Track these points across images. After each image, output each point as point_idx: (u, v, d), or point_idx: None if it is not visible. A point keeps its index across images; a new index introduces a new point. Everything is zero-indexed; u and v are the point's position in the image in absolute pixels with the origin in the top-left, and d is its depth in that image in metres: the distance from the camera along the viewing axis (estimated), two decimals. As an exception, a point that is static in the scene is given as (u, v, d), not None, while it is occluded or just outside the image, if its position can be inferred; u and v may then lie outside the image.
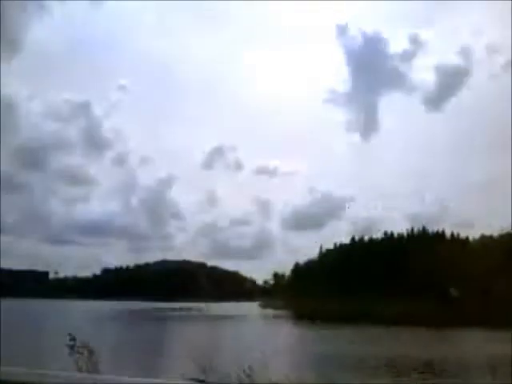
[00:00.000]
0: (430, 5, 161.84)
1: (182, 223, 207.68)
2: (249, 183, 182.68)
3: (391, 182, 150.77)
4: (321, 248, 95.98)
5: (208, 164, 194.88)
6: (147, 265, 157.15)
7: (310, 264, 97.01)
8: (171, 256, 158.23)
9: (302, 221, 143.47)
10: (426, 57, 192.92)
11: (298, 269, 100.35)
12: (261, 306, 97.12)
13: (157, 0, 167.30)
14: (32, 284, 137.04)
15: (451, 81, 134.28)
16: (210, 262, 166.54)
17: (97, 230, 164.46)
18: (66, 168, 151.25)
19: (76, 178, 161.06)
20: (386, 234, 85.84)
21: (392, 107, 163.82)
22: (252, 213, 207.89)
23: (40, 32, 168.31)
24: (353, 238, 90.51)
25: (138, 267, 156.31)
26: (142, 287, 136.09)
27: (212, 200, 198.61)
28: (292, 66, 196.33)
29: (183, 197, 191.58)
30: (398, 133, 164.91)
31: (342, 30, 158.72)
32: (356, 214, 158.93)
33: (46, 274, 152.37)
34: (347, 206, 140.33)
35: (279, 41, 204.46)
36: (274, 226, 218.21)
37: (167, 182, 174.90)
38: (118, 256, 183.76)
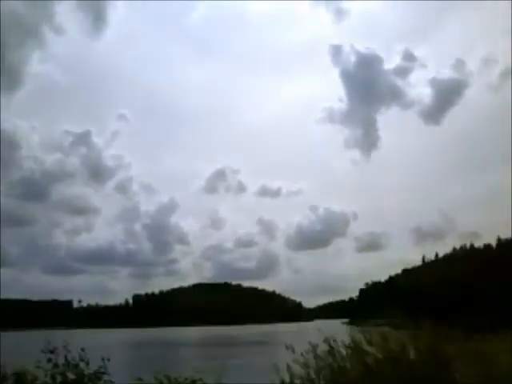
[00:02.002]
0: (422, 20, 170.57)
1: (187, 247, 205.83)
2: (252, 205, 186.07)
3: (393, 196, 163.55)
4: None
5: (210, 188, 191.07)
6: (181, 289, 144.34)
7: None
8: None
9: (307, 239, 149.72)
10: (421, 71, 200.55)
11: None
12: (346, 323, 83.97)
13: (153, 32, 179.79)
14: (57, 313, 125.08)
15: (448, 94, 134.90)
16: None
17: (101, 257, 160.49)
18: (69, 198, 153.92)
19: (79, 208, 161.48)
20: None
21: (390, 123, 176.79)
22: (256, 234, 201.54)
23: (40, 65, 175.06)
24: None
25: (173, 291, 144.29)
26: (180, 312, 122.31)
27: (216, 223, 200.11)
28: (289, 88, 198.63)
29: (187, 221, 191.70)
30: (398, 147, 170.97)
31: (337, 50, 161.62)
32: (359, 230, 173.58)
33: (70, 302, 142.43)
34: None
35: (274, 65, 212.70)
36: (279, 246, 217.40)
37: (170, 208, 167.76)
38: (124, 282, 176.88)
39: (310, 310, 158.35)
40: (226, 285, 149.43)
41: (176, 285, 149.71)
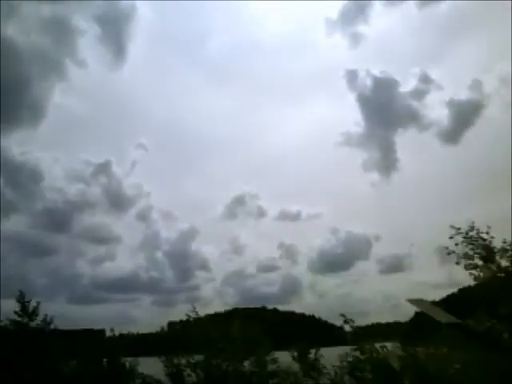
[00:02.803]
0: (438, 42, 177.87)
1: (209, 274, 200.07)
2: (272, 229, 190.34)
3: (414, 217, 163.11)
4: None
5: (230, 214, 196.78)
6: (216, 314, 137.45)
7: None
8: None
9: (328, 263, 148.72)
10: (438, 93, 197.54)
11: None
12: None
13: (171, 61, 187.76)
14: (90, 343, 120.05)
15: (465, 114, 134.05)
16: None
17: (124, 285, 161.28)
18: (91, 227, 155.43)
19: (101, 237, 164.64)
20: None
21: (408, 144, 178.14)
22: (278, 258, 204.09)
23: (62, 97, 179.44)
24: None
25: (208, 317, 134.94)
26: (218, 338, 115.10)
27: (237, 248, 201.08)
28: (306, 113, 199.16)
29: (208, 247, 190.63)
30: (417, 169, 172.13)
31: (352, 75, 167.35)
32: (382, 252, 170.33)
33: (103, 331, 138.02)
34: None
35: (291, 91, 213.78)
36: (301, 270, 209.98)
37: (190, 234, 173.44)
38: (147, 310, 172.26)
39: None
40: (262, 309, 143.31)
41: (201, 312, 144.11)
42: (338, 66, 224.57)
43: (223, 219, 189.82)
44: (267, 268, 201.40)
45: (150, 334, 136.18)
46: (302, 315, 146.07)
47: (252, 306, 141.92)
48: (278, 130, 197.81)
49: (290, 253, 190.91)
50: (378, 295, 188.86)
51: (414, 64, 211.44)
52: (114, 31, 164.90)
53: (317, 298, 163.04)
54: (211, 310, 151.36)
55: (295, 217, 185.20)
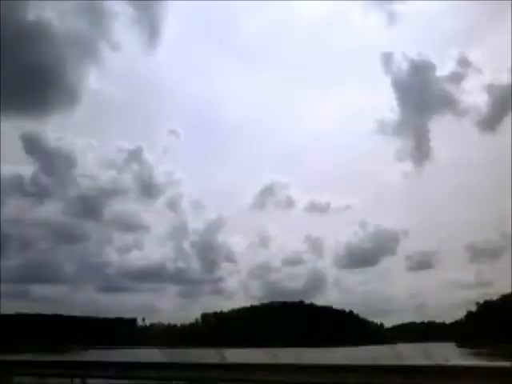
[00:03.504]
0: (477, 23, 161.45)
1: (234, 266, 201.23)
2: (300, 221, 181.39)
3: (446, 210, 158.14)
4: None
5: (259, 204, 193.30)
6: (252, 308, 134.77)
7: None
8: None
9: (355, 258, 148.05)
10: (476, 77, 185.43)
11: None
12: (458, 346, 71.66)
13: (204, 45, 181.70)
14: (122, 332, 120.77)
15: (505, 100, 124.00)
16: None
17: (150, 275, 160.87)
18: (121, 215, 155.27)
19: (130, 224, 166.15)
20: None
21: (444, 132, 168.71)
22: (304, 252, 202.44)
23: (97, 82, 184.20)
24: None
25: (242, 310, 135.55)
26: (252, 332, 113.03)
27: (264, 240, 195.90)
28: (338, 98, 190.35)
29: (234, 238, 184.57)
30: (452, 158, 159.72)
31: (388, 58, 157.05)
32: (410, 248, 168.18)
33: (134, 320, 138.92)
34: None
35: (323, 75, 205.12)
36: (327, 264, 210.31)
37: (218, 225, 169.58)
38: (172, 300, 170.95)
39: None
40: (299, 303, 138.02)
41: (223, 305, 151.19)
42: (373, 48, 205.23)
43: (251, 209, 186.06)
44: (293, 262, 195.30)
45: (183, 325, 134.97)
46: (339, 311, 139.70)
47: (289, 300, 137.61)
48: (309, 117, 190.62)
49: (316, 246, 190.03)
50: (403, 293, 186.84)
51: (452, 46, 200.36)
52: (149, 14, 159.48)
53: (341, 293, 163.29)
54: (237, 304, 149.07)
55: (324, 208, 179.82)
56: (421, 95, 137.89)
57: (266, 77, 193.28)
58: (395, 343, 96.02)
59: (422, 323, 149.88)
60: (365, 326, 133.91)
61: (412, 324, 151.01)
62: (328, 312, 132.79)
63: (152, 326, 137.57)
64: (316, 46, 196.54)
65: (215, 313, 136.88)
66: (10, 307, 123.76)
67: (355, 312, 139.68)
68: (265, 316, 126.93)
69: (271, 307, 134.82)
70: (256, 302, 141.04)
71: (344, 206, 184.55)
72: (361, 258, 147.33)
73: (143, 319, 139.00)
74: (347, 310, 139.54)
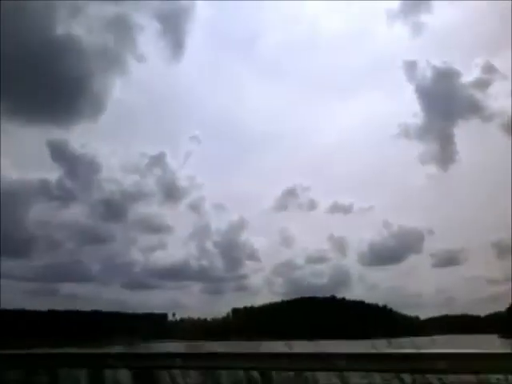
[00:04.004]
0: (502, 30, 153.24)
1: (257, 264, 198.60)
2: (323, 222, 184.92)
3: (472, 211, 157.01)
4: None
5: (281, 206, 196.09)
6: (283, 303, 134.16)
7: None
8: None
9: (379, 256, 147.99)
10: (503, 83, 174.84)
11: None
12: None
13: (226, 56, 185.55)
14: (154, 326, 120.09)
15: None
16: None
17: (175, 273, 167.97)
18: (145, 217, 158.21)
19: (154, 226, 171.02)
20: None
21: (469, 137, 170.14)
22: (327, 251, 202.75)
23: (122, 91, 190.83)
24: None
25: (272, 305, 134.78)
26: (283, 327, 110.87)
27: (286, 240, 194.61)
28: (361, 105, 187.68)
29: (257, 238, 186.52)
30: (477, 161, 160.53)
31: (411, 66, 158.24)
32: (435, 246, 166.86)
33: (165, 316, 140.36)
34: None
35: (347, 83, 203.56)
36: (351, 262, 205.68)
37: (240, 226, 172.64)
38: (197, 297, 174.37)
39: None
40: (331, 298, 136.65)
41: (248, 301, 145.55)
42: (397, 57, 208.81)
43: (274, 211, 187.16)
44: (316, 260, 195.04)
45: (215, 320, 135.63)
46: (371, 305, 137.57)
47: (319, 296, 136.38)
48: (331, 122, 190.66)
49: (339, 245, 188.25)
50: (430, 289, 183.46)
51: (478, 53, 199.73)
52: (173, 27, 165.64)
53: (366, 290, 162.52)
54: (261, 300, 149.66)
55: (347, 210, 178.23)
56: (445, 101, 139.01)
57: (290, 85, 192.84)
58: (432, 335, 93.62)
59: (456, 316, 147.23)
60: (399, 319, 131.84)
61: (445, 317, 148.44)
62: (360, 306, 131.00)
63: (182, 320, 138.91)
64: (340, 55, 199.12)
65: (246, 308, 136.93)
66: (40, 305, 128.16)
67: (388, 306, 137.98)
68: (295, 311, 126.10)
69: (301, 302, 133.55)
70: (280, 299, 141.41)
71: (367, 207, 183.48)
72: (385, 255, 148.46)
73: (173, 314, 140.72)
74: (380, 304, 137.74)
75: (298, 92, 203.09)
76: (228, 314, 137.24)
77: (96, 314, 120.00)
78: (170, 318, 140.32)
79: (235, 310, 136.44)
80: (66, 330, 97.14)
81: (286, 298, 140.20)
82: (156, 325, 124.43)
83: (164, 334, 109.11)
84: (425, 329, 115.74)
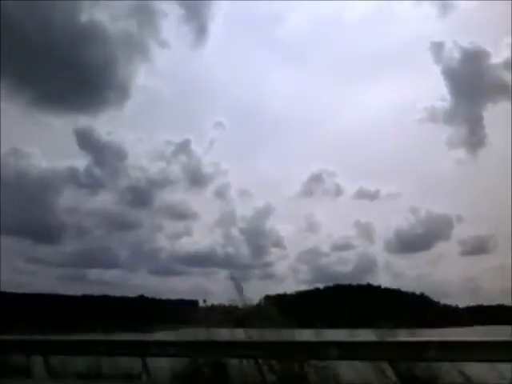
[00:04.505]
0: None
1: (283, 251, 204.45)
2: (349, 208, 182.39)
3: (503, 196, 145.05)
4: None
5: (306, 192, 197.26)
6: (317, 290, 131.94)
7: None
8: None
9: (406, 243, 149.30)
10: None
11: None
12: None
13: (249, 40, 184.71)
14: (186, 313, 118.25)
15: None
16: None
17: (201, 260, 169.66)
18: (170, 204, 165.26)
19: (179, 213, 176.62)
20: None
21: (498, 120, 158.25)
22: (353, 237, 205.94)
23: (146, 78, 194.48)
24: None
25: (306, 292, 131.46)
26: (316, 314, 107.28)
27: (312, 226, 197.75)
28: (386, 88, 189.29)
29: (283, 225, 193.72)
30: (507, 146, 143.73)
31: (438, 47, 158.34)
32: (464, 232, 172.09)
33: (196, 302, 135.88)
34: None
35: (371, 66, 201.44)
36: (377, 249, 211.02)
37: (266, 212, 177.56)
38: (223, 284, 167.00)
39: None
40: (366, 286, 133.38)
41: (274, 288, 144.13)
42: (423, 38, 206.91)
43: (299, 197, 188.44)
44: (342, 247, 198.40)
45: (246, 307, 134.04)
46: (407, 293, 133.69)
47: (353, 283, 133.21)
48: (356, 107, 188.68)
49: (365, 232, 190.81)
50: (457, 277, 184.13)
51: (508, 33, 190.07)
52: (196, 13, 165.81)
53: (393, 277, 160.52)
54: (287, 287, 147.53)
55: (373, 195, 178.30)
56: (474, 83, 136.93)
57: (314, 68, 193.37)
58: (471, 325, 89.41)
59: (491, 307, 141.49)
60: (439, 308, 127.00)
61: (481, 307, 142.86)
62: (398, 294, 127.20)
63: (213, 307, 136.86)
64: (364, 36, 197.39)
65: (279, 295, 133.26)
66: (70, 290, 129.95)
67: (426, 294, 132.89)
68: (330, 298, 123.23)
69: (335, 289, 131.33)
70: (307, 286, 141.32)
71: (395, 193, 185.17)
72: (412, 243, 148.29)
73: (204, 301, 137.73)
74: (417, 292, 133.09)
75: (322, 75, 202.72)
76: (260, 301, 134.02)
77: (127, 300, 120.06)
78: (201, 304, 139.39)
79: (268, 297, 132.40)
80: (110, 315, 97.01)
81: (312, 286, 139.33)
82: (188, 311, 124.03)
83: (198, 320, 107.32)
84: (463, 319, 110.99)
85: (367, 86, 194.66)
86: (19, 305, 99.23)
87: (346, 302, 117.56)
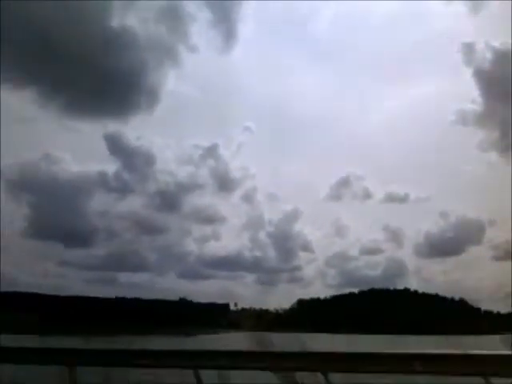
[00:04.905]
0: None
1: (311, 255, 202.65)
2: (378, 212, 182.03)
3: None
4: None
5: (335, 195, 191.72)
6: (351, 295, 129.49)
7: None
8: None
9: (437, 247, 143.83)
10: None
11: None
12: None
13: (278, 43, 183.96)
14: (218, 316, 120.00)
15: None
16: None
17: (228, 263, 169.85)
18: (198, 208, 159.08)
19: (207, 217, 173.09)
20: None
21: None
22: (382, 241, 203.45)
23: (175, 83, 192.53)
24: None
25: (340, 296, 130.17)
26: (349, 319, 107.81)
27: (340, 231, 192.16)
28: (415, 90, 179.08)
29: (311, 229, 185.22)
30: None
31: (469, 48, 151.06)
32: (497, 237, 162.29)
33: (227, 306, 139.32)
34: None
35: (398, 66, 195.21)
36: (406, 254, 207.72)
37: (294, 216, 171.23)
38: (251, 288, 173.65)
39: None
40: (404, 291, 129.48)
41: (303, 292, 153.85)
42: (454, 38, 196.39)
43: (327, 201, 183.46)
44: (370, 251, 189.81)
45: (281, 310, 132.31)
46: (445, 298, 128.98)
47: (390, 288, 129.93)
48: (384, 107, 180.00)
49: (395, 236, 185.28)
50: (490, 283, 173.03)
51: None
52: (225, 16, 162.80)
53: (423, 282, 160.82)
54: (315, 291, 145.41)
55: (403, 200, 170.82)
56: (506, 85, 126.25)
57: (342, 69, 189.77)
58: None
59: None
60: (480, 314, 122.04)
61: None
62: (435, 299, 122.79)
63: (244, 310, 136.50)
64: (393, 36, 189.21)
65: (312, 299, 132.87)
66: (100, 293, 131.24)
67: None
68: (365, 303, 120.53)
69: (370, 294, 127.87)
70: (335, 290, 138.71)
71: (424, 197, 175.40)
72: (442, 247, 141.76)
73: (235, 304, 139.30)
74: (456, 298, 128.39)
75: (351, 76, 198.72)
76: (293, 305, 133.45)
77: (160, 303, 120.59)
78: (232, 307, 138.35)
79: (301, 301, 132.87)
80: (146, 317, 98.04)
81: (340, 291, 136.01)
82: (219, 315, 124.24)
83: (231, 324, 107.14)
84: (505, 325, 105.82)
85: (396, 87, 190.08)
86: (56, 307, 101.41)
87: (381, 306, 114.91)
